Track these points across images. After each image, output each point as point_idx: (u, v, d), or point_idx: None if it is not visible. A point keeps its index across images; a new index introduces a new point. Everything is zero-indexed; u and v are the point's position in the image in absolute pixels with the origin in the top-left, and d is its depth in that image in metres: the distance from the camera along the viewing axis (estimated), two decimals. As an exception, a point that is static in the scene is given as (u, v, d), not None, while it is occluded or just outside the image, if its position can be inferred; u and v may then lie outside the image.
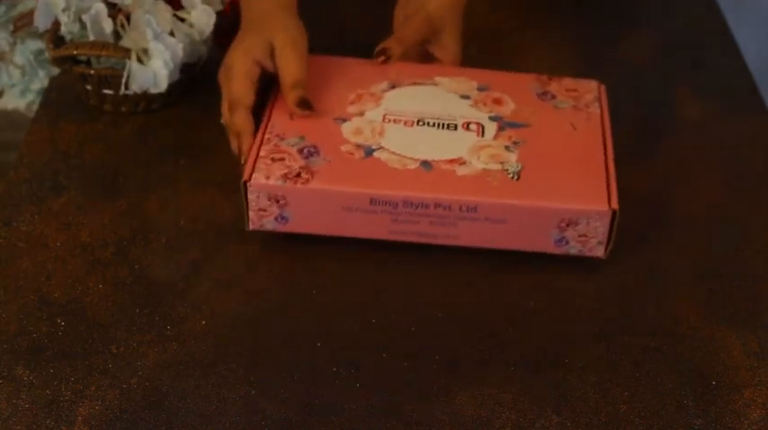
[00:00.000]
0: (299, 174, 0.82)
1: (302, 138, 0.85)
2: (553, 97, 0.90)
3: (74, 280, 0.83)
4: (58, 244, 0.86)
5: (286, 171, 0.82)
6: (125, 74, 0.94)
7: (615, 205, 0.81)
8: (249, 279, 0.84)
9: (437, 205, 0.81)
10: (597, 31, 1.14)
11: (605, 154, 0.86)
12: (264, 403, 0.74)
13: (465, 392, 0.75)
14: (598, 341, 0.79)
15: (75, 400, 0.74)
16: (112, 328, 0.79)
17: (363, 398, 0.75)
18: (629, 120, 0.98)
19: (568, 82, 0.93)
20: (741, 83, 1.07)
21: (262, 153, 0.84)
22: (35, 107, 1.06)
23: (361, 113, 0.88)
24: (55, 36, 0.97)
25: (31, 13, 1.00)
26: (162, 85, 0.95)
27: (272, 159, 0.83)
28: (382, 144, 0.85)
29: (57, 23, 0.97)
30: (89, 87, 0.98)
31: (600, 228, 0.81)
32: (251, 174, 0.82)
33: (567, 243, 0.82)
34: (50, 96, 1.02)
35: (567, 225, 0.81)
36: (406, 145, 0.85)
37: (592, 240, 0.82)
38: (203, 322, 0.80)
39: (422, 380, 0.76)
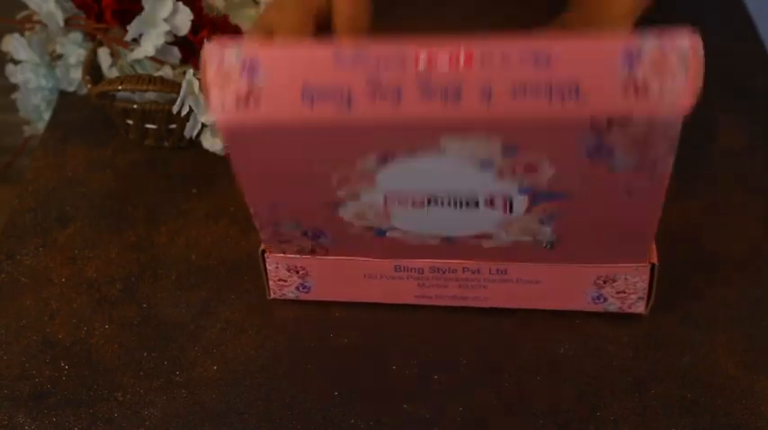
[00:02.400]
0: (313, 250, 0.75)
1: (299, 224, 0.72)
2: (610, 153, 0.61)
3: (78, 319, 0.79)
4: (63, 279, 0.82)
5: (299, 248, 0.75)
6: (182, 107, 0.84)
7: (654, 259, 0.75)
8: (263, 321, 0.80)
9: (465, 269, 0.76)
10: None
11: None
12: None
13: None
14: (631, 392, 0.75)
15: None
16: (119, 373, 0.76)
17: (382, 454, 0.71)
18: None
19: (636, 131, 0.59)
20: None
21: (263, 236, 0.74)
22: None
23: (356, 196, 0.67)
24: (91, 68, 0.90)
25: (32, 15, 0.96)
26: None
27: (279, 241, 0.74)
28: (394, 225, 0.70)
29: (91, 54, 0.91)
30: (130, 122, 0.91)
31: (639, 284, 0.76)
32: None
33: (606, 300, 0.78)
34: (58, 118, 0.97)
35: (605, 282, 0.76)
36: (420, 225, 0.70)
37: (631, 296, 0.77)
38: (214, 367, 0.76)
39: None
